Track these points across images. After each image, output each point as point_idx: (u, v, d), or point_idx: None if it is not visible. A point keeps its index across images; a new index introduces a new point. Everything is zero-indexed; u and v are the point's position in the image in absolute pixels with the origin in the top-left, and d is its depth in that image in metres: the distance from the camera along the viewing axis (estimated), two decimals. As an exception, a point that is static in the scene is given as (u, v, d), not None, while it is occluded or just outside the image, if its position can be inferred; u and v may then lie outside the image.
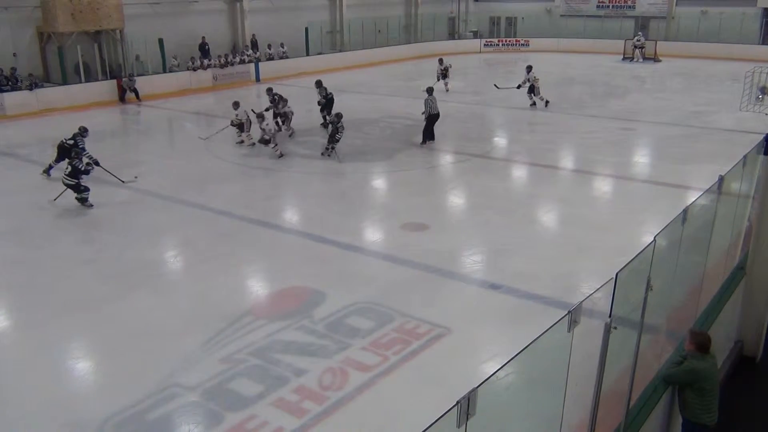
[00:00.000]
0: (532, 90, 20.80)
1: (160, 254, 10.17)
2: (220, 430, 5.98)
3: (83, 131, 14.17)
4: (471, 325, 7.75)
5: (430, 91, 16.67)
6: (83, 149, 13.59)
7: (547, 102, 20.99)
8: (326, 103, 18.04)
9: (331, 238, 10.41)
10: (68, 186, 12.00)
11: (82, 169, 12.09)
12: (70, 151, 12.93)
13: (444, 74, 24.15)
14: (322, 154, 15.38)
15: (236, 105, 16.96)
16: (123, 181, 13.49)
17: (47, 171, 14.15)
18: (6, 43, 22.01)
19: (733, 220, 8.00)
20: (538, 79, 20.82)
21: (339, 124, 15.06)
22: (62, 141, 14.08)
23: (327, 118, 16.86)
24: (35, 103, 20.48)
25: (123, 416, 6.16)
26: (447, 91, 23.52)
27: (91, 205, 12.04)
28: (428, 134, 16.48)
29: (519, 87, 21.11)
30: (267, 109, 17.22)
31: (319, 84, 18.22)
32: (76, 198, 12.04)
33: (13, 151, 16.33)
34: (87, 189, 12.09)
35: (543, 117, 19.72)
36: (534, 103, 20.96)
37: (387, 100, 22.67)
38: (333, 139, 15.17)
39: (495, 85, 23.22)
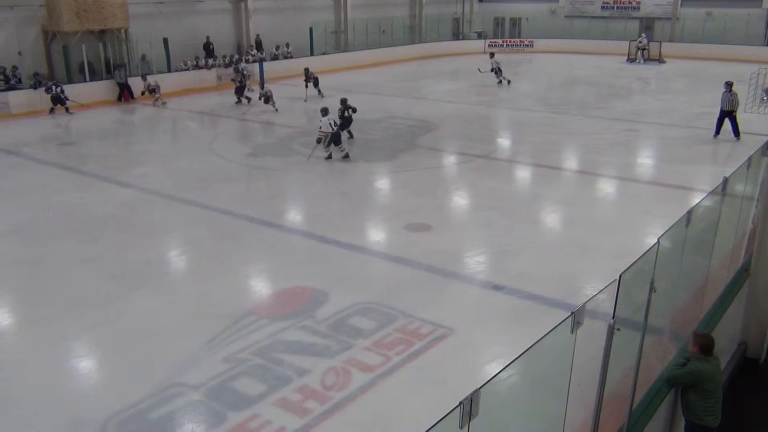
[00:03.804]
0: (498, 72, 25.47)
1: (163, 253, 10.19)
2: (223, 430, 5.99)
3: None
4: (474, 326, 7.75)
5: (729, 85, 16.34)
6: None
7: (509, 81, 25.46)
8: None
9: (334, 238, 10.41)
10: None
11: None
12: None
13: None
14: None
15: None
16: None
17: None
18: (11, 41, 22.05)
19: (738, 222, 7.97)
20: (499, 62, 25.66)
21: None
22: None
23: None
24: (39, 102, 20.52)
25: (126, 415, 6.17)
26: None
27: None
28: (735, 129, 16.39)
29: (492, 71, 25.40)
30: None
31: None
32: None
33: (18, 149, 16.36)
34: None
35: (546, 118, 19.71)
36: (500, 82, 25.40)
37: (390, 101, 22.67)
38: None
39: (478, 69, 26.27)
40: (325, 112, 14.97)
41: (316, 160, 15.07)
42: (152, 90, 22.17)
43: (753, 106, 19.42)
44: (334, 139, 14.94)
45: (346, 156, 15.02)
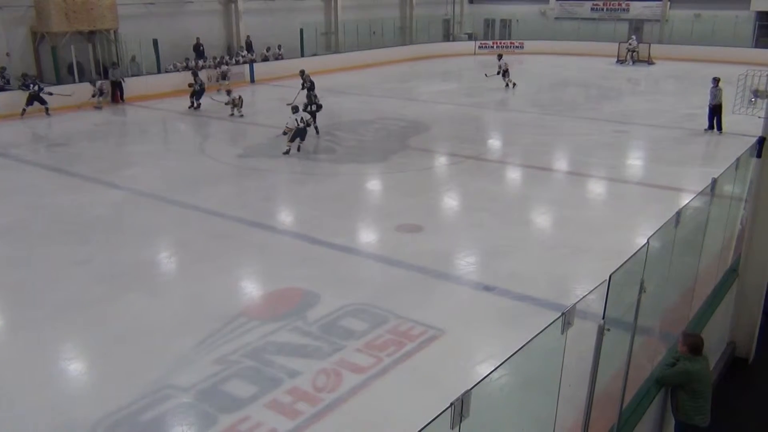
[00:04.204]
0: (505, 74, 24.83)
1: (154, 255, 10.14)
2: (214, 432, 5.97)
3: None
4: (465, 327, 7.76)
5: (716, 80, 17.72)
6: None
7: (514, 84, 24.87)
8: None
9: (325, 240, 10.40)
10: None
11: None
12: None
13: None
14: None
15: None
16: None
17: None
18: (-1, 42, 21.93)
19: (726, 222, 8.03)
20: (507, 64, 25.09)
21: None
22: None
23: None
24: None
25: (116, 417, 6.14)
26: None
27: None
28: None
29: (498, 73, 24.84)
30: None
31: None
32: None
33: (6, 150, 16.25)
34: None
35: (536, 119, 19.78)
36: (507, 85, 24.75)
37: (382, 102, 22.68)
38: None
39: (485, 74, 26.04)
40: (295, 110, 15.84)
41: (307, 160, 15.07)
42: (103, 93, 21.65)
43: (741, 108, 19.54)
44: (300, 135, 15.68)
45: (298, 149, 15.79)
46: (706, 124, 17.77)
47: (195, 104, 21.46)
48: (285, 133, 15.84)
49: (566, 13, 38.40)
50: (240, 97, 20.61)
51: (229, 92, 21.02)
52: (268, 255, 10.10)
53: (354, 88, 25.81)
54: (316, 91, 18.22)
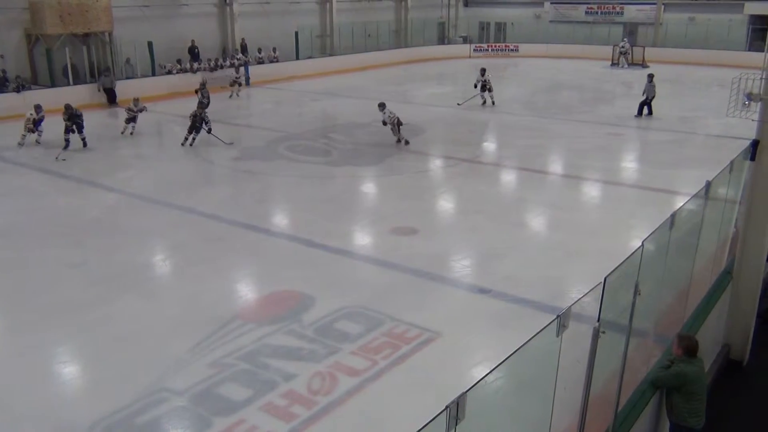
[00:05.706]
0: (485, 89, 22.21)
1: (149, 258, 10.12)
2: (209, 435, 5.95)
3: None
4: (460, 330, 7.76)
5: (650, 77, 20.42)
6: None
7: (493, 102, 22.31)
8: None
9: (320, 242, 10.39)
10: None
11: None
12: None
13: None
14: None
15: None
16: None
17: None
18: (-7, 44, 21.89)
19: (720, 225, 8.06)
20: (490, 81, 22.36)
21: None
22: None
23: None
24: (22, 106, 20.25)
25: (111, 420, 6.12)
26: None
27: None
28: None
29: (475, 86, 22.19)
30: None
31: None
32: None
33: (1, 153, 16.19)
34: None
35: (531, 122, 19.81)
36: (485, 101, 22.23)
37: (377, 105, 22.61)
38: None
39: (458, 103, 22.55)
40: (382, 107, 17.00)
41: (302, 163, 15.06)
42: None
43: (735, 111, 19.61)
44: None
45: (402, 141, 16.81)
46: (699, 126, 18.02)
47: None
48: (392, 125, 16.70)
49: (561, 17, 38.53)
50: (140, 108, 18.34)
51: (136, 100, 18.39)
52: (264, 258, 10.09)
53: (349, 90, 25.80)
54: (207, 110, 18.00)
